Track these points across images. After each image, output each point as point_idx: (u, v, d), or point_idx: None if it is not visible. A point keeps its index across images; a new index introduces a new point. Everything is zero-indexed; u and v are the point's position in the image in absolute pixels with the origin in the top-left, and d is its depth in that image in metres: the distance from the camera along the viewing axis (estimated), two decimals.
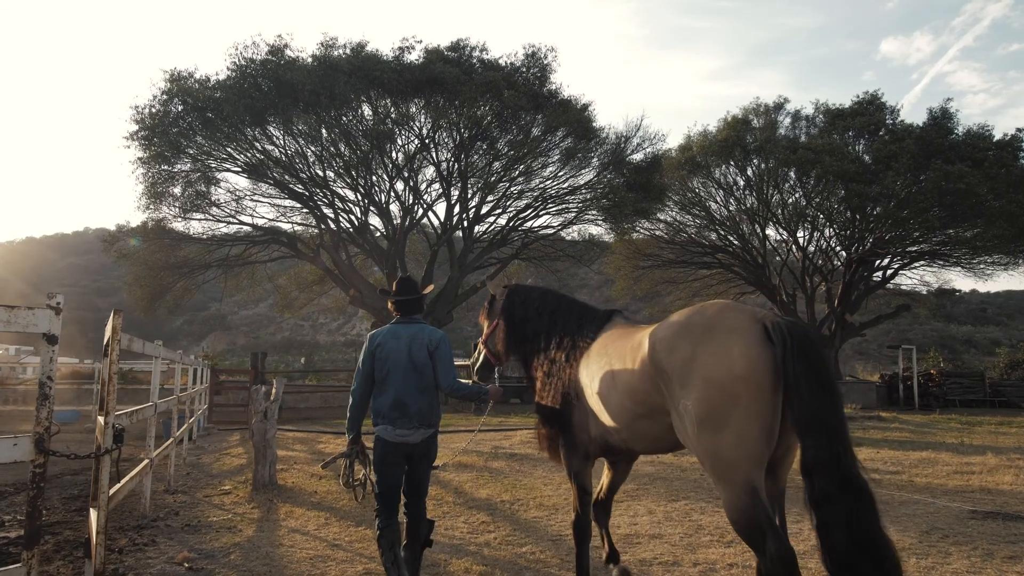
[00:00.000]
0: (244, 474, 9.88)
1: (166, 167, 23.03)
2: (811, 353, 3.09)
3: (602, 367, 3.92)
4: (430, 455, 4.51)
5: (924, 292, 33.08)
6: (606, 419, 3.86)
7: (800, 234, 31.05)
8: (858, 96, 29.80)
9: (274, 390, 8.75)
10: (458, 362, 20.31)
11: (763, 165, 29.33)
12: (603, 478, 4.64)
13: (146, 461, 6.77)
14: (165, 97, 21.81)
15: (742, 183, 30.24)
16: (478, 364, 5.24)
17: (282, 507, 7.66)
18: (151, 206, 24.37)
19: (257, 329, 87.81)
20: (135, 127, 21.84)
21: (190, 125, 22.31)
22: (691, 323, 3.38)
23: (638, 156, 26.40)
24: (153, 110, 21.85)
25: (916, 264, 31.61)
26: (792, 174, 28.73)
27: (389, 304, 4.73)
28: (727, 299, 29.42)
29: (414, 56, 23.43)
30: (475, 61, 24.20)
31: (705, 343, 3.22)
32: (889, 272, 31.81)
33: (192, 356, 15.56)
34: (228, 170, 24.57)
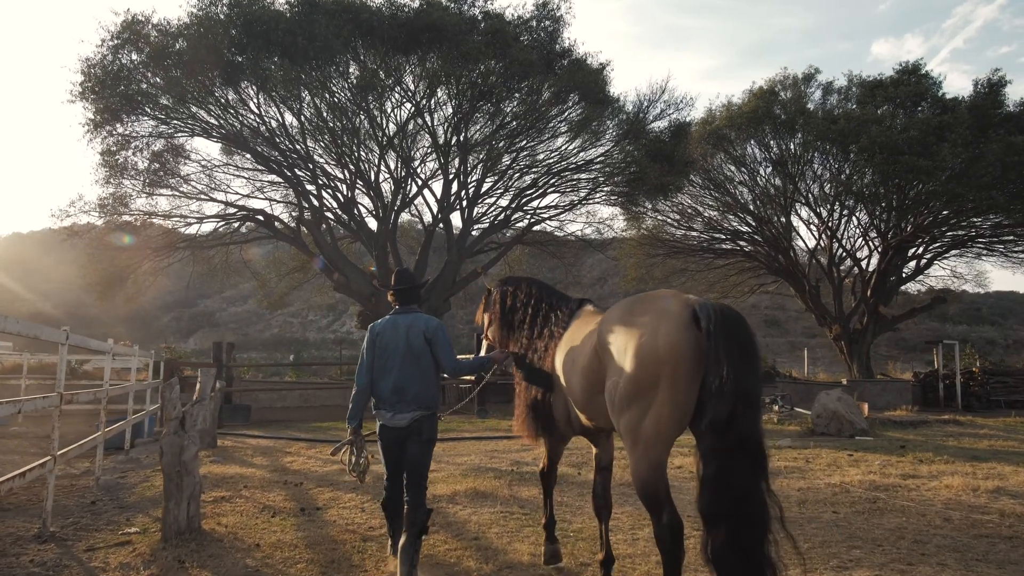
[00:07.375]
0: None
1: (120, 127, 19.73)
2: (737, 328, 3.28)
3: (569, 353, 4.22)
4: (422, 432, 4.56)
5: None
6: (574, 399, 4.17)
7: (832, 217, 28.22)
8: (899, 65, 27.17)
9: (198, 386, 5.76)
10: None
11: (794, 140, 26.50)
12: (594, 460, 4.63)
13: None
14: (116, 43, 18.49)
15: (771, 160, 27.37)
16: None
17: None
18: (110, 179, 21.17)
19: (246, 326, 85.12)
20: (81, 78, 18.56)
21: (148, 80, 19.10)
22: (631, 308, 3.67)
23: (661, 124, 23.39)
24: (105, 59, 18.57)
25: (950, 253, 28.95)
26: (828, 149, 25.90)
27: (389, 296, 4.92)
28: (747, 287, 26.64)
29: None
30: (477, 12, 21.05)
31: (638, 327, 3.46)
32: (923, 262, 29.12)
33: (120, 345, 12.52)
34: (196, 134, 21.32)
